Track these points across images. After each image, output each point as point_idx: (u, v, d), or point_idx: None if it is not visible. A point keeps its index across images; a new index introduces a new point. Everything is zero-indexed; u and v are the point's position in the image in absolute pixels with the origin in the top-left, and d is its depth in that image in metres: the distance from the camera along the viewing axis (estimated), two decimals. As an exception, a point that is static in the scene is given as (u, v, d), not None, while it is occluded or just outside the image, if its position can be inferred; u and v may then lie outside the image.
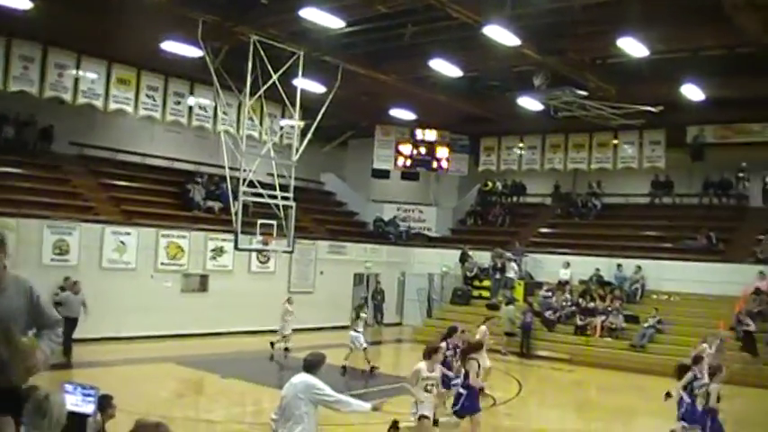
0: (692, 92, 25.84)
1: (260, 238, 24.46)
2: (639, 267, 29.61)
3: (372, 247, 35.27)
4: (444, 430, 13.80)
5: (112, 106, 26.94)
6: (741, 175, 31.74)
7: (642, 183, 34.45)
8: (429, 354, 12.27)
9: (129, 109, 27.52)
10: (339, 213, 38.59)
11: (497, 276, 31.88)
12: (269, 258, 29.65)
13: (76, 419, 5.90)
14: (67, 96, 25.73)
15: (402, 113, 34.18)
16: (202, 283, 28.35)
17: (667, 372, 23.63)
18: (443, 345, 14.45)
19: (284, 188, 24.96)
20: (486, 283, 32.60)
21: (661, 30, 21.28)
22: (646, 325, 26.49)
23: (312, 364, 8.77)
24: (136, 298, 24.99)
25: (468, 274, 33.38)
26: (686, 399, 13.27)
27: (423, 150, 38.07)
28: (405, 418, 12.82)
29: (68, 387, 6.24)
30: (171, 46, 24.02)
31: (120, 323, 24.33)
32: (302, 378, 8.61)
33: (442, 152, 38.25)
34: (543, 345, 27.71)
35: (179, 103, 28.73)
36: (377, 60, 26.47)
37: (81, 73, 25.96)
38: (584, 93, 26.54)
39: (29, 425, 4.84)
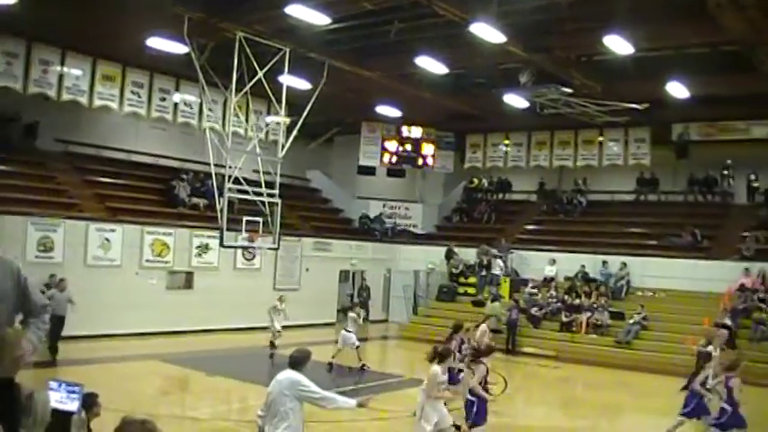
0: (677, 89, 25.90)
1: (245, 235, 24.41)
2: (625, 264, 29.71)
3: (358, 244, 35.26)
4: None
5: (97, 103, 26.82)
6: (726, 172, 31.88)
7: (627, 180, 34.56)
8: (443, 357, 12.10)
9: (114, 105, 27.40)
10: (325, 210, 38.56)
11: (483, 273, 31.97)
12: (254, 255, 29.62)
13: (61, 417, 5.85)
14: (52, 93, 25.59)
15: (388, 110, 34.17)
16: (188, 281, 28.29)
17: (653, 368, 24.00)
18: (453, 344, 14.44)
19: (270, 185, 24.96)
20: (472, 280, 32.69)
21: (646, 27, 21.32)
22: (631, 321, 26.57)
23: (298, 361, 8.77)
24: (121, 295, 24.92)
25: (454, 270, 33.43)
26: (725, 405, 13.09)
27: (408, 147, 38.08)
28: (393, 413, 12.78)
29: (53, 384, 6.19)
30: (156, 42, 23.88)
31: (105, 320, 24.20)
32: (288, 374, 8.61)
33: (427, 149, 38.27)
34: (529, 341, 27.74)
35: (164, 99, 28.62)
36: (363, 57, 26.45)
37: (66, 69, 25.82)
38: (569, 90, 26.57)
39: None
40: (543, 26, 22.70)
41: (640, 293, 28.92)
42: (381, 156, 37.86)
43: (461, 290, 32.84)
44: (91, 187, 27.86)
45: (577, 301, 28.55)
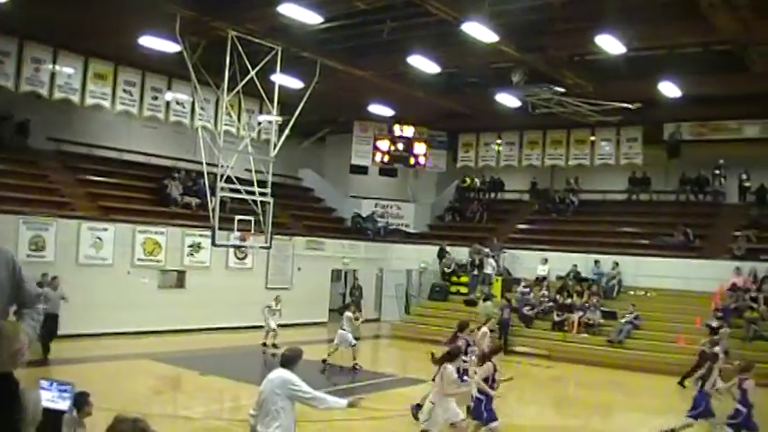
0: (669, 89, 25.95)
1: (237, 234, 24.40)
2: (617, 263, 29.76)
3: (350, 243, 35.23)
4: None
5: (89, 101, 26.76)
6: (718, 171, 31.94)
7: (619, 179, 34.64)
8: (453, 356, 12.11)
9: (107, 104, 27.34)
10: (317, 209, 38.53)
11: (475, 272, 31.98)
12: (246, 254, 29.59)
13: (52, 416, 5.84)
14: (44, 91, 25.52)
15: (380, 109, 34.13)
16: (179, 280, 28.26)
17: (644, 367, 24.03)
18: (461, 343, 14.42)
19: (262, 184, 24.95)
20: (464, 279, 32.69)
21: (638, 27, 21.36)
22: (623, 321, 26.59)
23: (289, 360, 8.77)
24: (113, 294, 24.88)
25: (446, 270, 33.43)
26: (740, 407, 13.09)
27: (401, 146, 38.04)
28: (386, 412, 12.78)
29: (44, 383, 6.18)
30: (148, 41, 23.83)
31: (97, 319, 24.15)
32: (279, 373, 8.61)
33: (419, 148, 38.26)
34: (521, 341, 27.76)
35: (156, 98, 28.56)
36: (355, 56, 26.44)
37: (58, 67, 25.74)
38: (561, 89, 26.61)
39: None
40: (536, 26, 22.72)
41: (632, 293, 28.96)
42: (374, 155, 37.83)
43: (453, 289, 32.86)
44: (83, 186, 27.80)
45: (569, 300, 28.59)
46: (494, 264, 31.73)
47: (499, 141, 36.79)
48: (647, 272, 29.17)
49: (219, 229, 23.85)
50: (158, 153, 31.83)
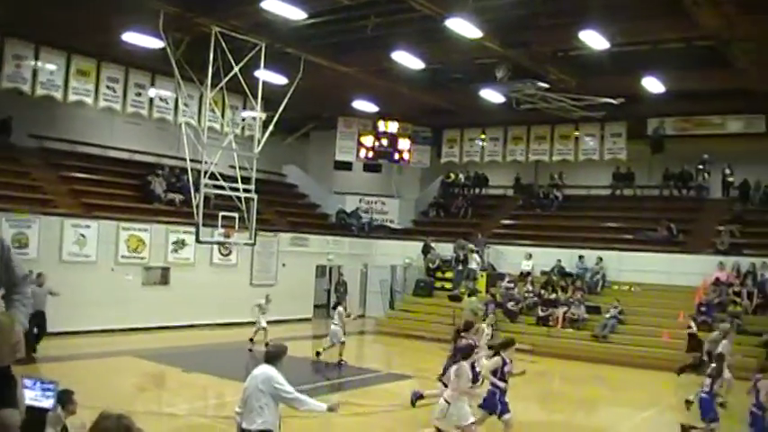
0: (653, 84, 26.04)
1: (222, 230, 24.39)
2: (601, 258, 29.87)
3: (335, 239, 35.21)
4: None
5: (72, 98, 26.58)
6: (701, 167, 32.05)
7: (603, 174, 34.74)
8: (467, 354, 12.10)
9: (89, 101, 27.15)
10: (301, 205, 38.45)
11: (460, 268, 32.01)
12: (231, 251, 29.54)
13: (35, 414, 5.80)
14: (26, 88, 25.32)
15: (364, 105, 34.11)
16: (164, 276, 28.15)
17: (629, 362, 24.13)
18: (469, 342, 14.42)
19: (246, 180, 24.89)
20: (449, 274, 32.72)
21: (622, 23, 21.39)
22: (607, 316, 26.71)
23: (274, 355, 8.78)
24: (96, 291, 24.77)
25: (431, 265, 33.47)
26: (755, 410, 13.08)
27: (385, 142, 37.99)
28: (370, 408, 12.76)
29: (27, 382, 6.14)
30: (131, 37, 23.71)
31: (81, 317, 24.02)
32: (263, 369, 8.61)
33: (404, 144, 38.23)
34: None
35: (140, 94, 28.39)
36: (339, 52, 26.38)
37: (40, 64, 25.54)
38: (545, 85, 26.64)
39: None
40: (519, 21, 22.72)
41: (616, 288, 29.08)
42: (358, 151, 37.78)
43: (438, 284, 32.90)
44: (66, 183, 27.67)
45: (554, 295, 28.65)
46: (478, 259, 31.76)
47: (483, 137, 36.80)
48: (631, 267, 29.27)
49: (204, 225, 23.81)
50: (142, 149, 31.68)
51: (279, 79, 26.55)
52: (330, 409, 8.88)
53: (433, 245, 33.83)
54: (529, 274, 31.01)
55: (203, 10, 22.57)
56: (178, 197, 29.72)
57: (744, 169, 30.86)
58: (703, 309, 25.12)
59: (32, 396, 5.95)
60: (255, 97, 24.99)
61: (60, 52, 26.07)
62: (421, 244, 34.10)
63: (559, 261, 30.87)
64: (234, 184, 24.57)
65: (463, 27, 21.08)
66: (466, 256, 31.93)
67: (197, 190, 23.59)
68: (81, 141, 29.84)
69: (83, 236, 25.38)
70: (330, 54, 26.36)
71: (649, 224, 30.88)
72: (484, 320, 20.16)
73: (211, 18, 22.76)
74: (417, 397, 15.86)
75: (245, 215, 24.60)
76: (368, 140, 37.76)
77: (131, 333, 25.12)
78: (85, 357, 20.77)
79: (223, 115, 27.76)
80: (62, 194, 26.83)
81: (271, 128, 26.00)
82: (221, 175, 24.43)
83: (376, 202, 38.79)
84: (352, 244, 35.92)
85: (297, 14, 21.11)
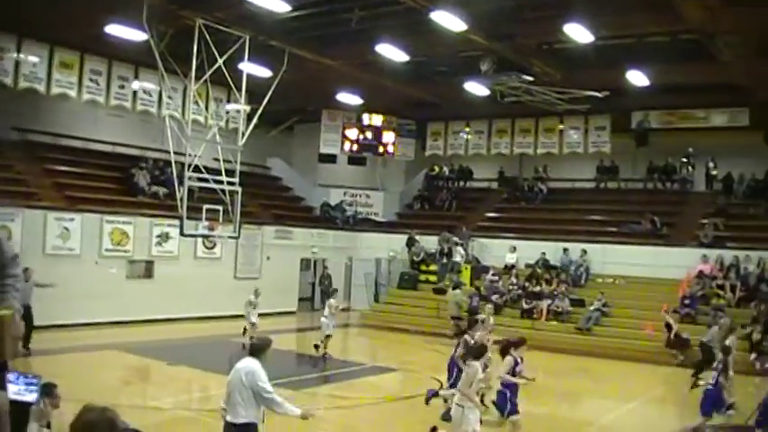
0: (637, 78, 26.08)
1: (206, 223, 24.30)
2: (585, 251, 29.94)
3: (319, 232, 35.18)
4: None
5: (55, 90, 26.42)
6: (685, 160, 32.17)
7: (588, 167, 34.78)
8: (479, 354, 11.93)
9: (73, 93, 27.00)
10: (285, 198, 38.42)
11: (444, 261, 32.07)
12: (215, 244, 29.48)
13: (19, 408, 5.79)
14: (8, 80, 25.15)
15: (349, 98, 34.06)
16: (148, 270, 28.07)
17: (613, 354, 24.21)
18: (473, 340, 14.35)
19: (230, 173, 24.84)
20: (433, 267, 32.75)
21: (606, 16, 21.41)
22: (591, 308, 26.79)
23: (258, 348, 8.77)
24: (80, 285, 24.61)
25: (415, 258, 33.49)
26: None
27: (369, 135, 37.97)
28: (354, 401, 12.74)
29: (10, 376, 6.12)
30: (115, 29, 23.58)
31: (65, 310, 23.90)
32: (247, 363, 8.59)
33: (388, 137, 38.21)
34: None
35: (123, 87, 28.26)
36: (324, 45, 26.31)
37: (22, 56, 25.34)
38: (530, 78, 26.66)
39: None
40: (504, 14, 22.67)
41: (600, 280, 29.14)
42: (342, 143, 37.73)
43: (423, 277, 32.91)
44: (49, 176, 27.51)
45: (538, 288, 28.74)
46: (462, 252, 31.82)
47: (468, 130, 36.81)
48: (615, 259, 29.34)
49: (188, 218, 23.76)
50: (125, 142, 31.53)
51: (263, 72, 26.47)
52: (303, 417, 8.84)
53: (417, 238, 33.83)
54: (513, 266, 31.06)
55: (187, 2, 22.46)
56: (162, 190, 29.63)
57: (727, 162, 30.95)
58: (687, 301, 25.29)
59: (16, 390, 5.93)
60: (240, 90, 24.95)
61: (43, 45, 25.88)
62: (405, 237, 34.08)
63: (544, 254, 30.92)
64: (218, 177, 24.49)
65: (448, 20, 21.08)
66: (450, 249, 31.98)
67: (181, 183, 23.53)
68: (64, 134, 29.68)
69: (66, 229, 25.26)
70: (314, 47, 26.29)
71: (633, 217, 30.98)
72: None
73: (195, 10, 22.66)
74: (432, 395, 15.73)
75: (230, 208, 24.53)
76: (352, 133, 37.73)
77: (115, 326, 25.02)
78: (69, 351, 20.67)
79: (207, 108, 27.63)
80: (45, 187, 26.69)
81: (255, 120, 25.92)
82: (205, 167, 24.33)
83: (360, 195, 38.78)
84: (337, 237, 35.89)
85: (281, 7, 21.07)
